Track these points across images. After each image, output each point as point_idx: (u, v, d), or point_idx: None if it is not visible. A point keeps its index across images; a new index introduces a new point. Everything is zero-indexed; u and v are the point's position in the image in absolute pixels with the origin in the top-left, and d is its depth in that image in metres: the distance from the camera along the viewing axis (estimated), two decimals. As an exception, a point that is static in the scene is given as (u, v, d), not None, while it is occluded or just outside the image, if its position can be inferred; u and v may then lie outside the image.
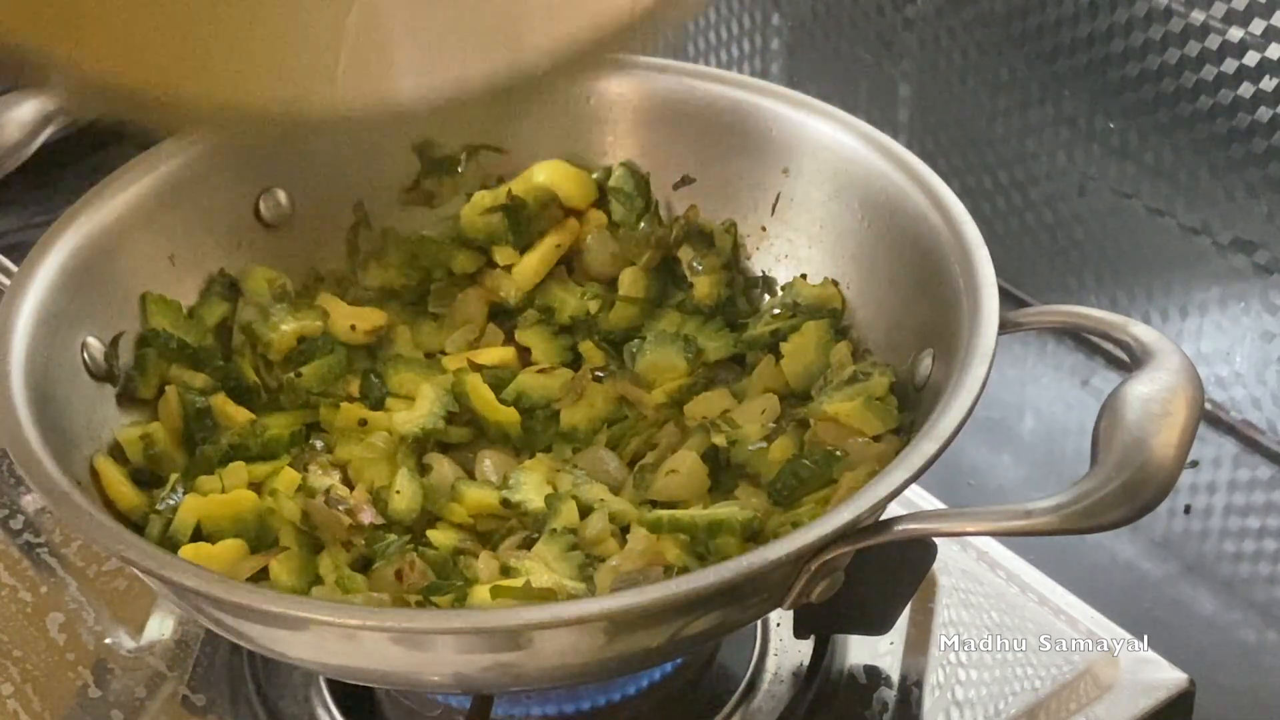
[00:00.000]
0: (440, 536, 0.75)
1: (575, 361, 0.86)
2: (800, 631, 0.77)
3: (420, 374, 0.85)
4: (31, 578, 0.86)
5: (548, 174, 0.90)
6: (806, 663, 0.80)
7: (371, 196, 0.90)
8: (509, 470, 0.79)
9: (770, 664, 0.80)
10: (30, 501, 0.91)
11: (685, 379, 0.84)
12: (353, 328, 0.86)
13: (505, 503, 0.77)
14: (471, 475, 0.80)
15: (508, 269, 0.89)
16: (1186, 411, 0.66)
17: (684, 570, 0.70)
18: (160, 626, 0.84)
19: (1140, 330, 0.71)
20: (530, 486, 0.77)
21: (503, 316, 0.89)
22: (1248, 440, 1.00)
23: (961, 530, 0.68)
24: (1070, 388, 1.07)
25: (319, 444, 0.81)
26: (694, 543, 0.73)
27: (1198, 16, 0.93)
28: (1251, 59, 0.91)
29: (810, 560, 0.63)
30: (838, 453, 0.76)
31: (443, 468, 0.80)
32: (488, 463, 0.81)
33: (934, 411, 0.68)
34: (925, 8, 1.10)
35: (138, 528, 0.75)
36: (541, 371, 0.85)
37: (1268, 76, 0.91)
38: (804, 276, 0.87)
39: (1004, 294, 0.74)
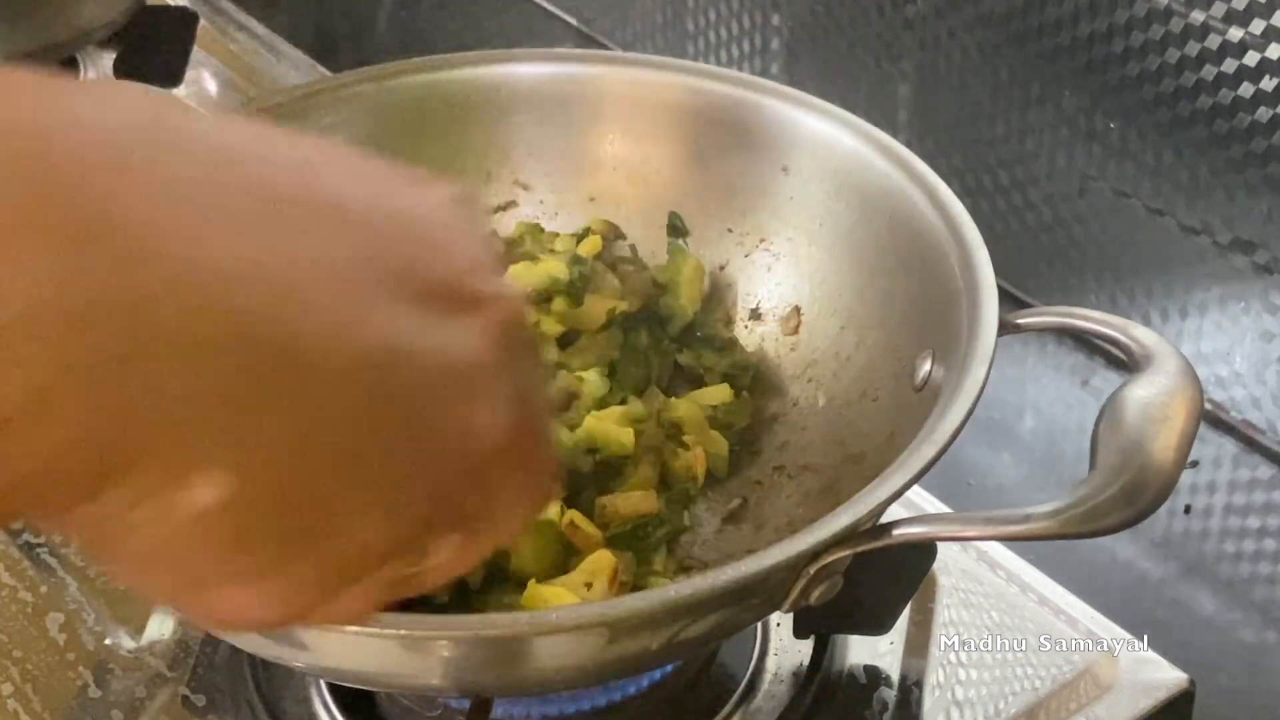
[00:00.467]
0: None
1: None
2: (800, 632, 0.77)
3: None
4: (31, 578, 0.86)
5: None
6: (806, 663, 0.80)
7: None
8: None
9: (770, 664, 0.80)
10: (30, 501, 0.91)
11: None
12: None
13: None
14: None
15: None
16: (1186, 415, 0.66)
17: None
18: (160, 626, 0.84)
19: (1140, 333, 0.71)
20: None
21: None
22: (1248, 440, 1.00)
23: (960, 536, 0.68)
24: (1070, 388, 1.07)
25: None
26: None
27: (1198, 16, 0.93)
28: (1251, 59, 0.91)
29: (809, 564, 0.63)
30: None
31: None
32: None
33: (933, 414, 0.68)
34: (925, 8, 1.09)
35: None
36: None
37: (1268, 76, 0.91)
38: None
39: (1004, 294, 0.73)
